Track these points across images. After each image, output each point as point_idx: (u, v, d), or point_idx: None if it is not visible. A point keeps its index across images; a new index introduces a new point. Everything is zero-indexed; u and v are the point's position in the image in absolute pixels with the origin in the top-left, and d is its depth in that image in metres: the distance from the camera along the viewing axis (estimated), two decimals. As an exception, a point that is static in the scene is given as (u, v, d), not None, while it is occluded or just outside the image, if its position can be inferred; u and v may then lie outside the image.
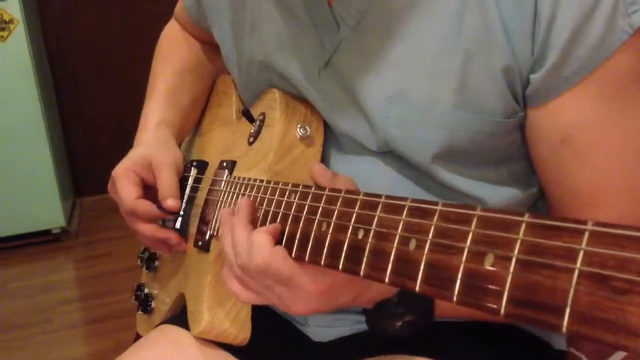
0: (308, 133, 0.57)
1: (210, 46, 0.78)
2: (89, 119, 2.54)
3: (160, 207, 0.64)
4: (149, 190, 0.66)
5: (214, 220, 0.60)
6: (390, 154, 0.54)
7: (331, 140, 0.59)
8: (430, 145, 0.50)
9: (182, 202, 0.68)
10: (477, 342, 0.58)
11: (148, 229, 0.64)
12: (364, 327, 0.54)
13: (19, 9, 1.97)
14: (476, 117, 0.49)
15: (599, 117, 0.47)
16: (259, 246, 0.44)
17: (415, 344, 0.54)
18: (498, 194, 0.54)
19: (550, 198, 0.54)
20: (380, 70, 0.51)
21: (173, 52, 0.79)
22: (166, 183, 0.64)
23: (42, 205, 2.14)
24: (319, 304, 0.44)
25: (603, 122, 0.47)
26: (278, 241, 0.45)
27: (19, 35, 1.98)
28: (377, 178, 0.55)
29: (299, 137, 0.57)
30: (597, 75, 0.45)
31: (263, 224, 0.48)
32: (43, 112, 2.08)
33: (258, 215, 0.49)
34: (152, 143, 0.69)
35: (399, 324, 0.48)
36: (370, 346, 0.57)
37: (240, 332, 0.58)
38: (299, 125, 0.57)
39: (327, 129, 0.59)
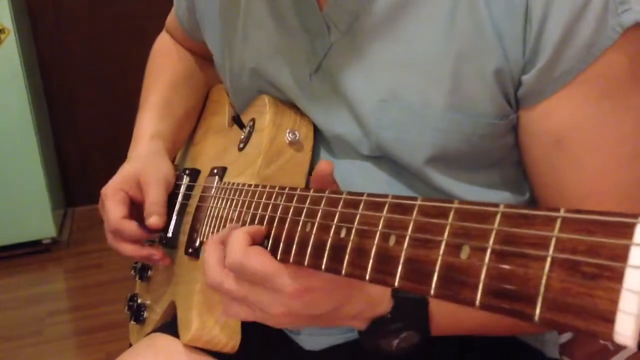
0: (297, 138, 0.57)
1: (201, 57, 0.79)
2: (81, 129, 2.54)
3: (144, 226, 0.63)
4: (137, 209, 0.65)
5: (204, 227, 0.60)
6: (383, 158, 0.54)
7: (323, 144, 0.59)
8: (423, 148, 0.50)
9: (174, 211, 0.67)
10: (469, 350, 0.57)
11: (129, 249, 0.63)
12: (355, 335, 0.53)
13: (10, 18, 1.96)
14: (469, 119, 0.49)
15: (592, 118, 0.46)
16: (231, 246, 0.42)
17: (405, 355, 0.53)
18: (490, 199, 0.54)
19: (541, 202, 0.53)
20: (372, 73, 0.51)
21: (165, 64, 0.79)
22: (152, 200, 0.63)
23: (33, 216, 2.13)
24: (297, 307, 0.41)
25: (595, 123, 0.46)
26: (257, 242, 0.43)
27: (10, 45, 1.98)
28: (369, 182, 0.55)
29: (288, 142, 0.57)
30: (588, 75, 0.45)
31: None
32: (34, 122, 2.07)
33: (246, 219, 0.49)
34: (144, 158, 0.68)
35: (395, 341, 0.46)
36: (363, 355, 0.56)
37: (230, 339, 0.57)
38: (288, 130, 0.57)
39: (319, 133, 0.59)
